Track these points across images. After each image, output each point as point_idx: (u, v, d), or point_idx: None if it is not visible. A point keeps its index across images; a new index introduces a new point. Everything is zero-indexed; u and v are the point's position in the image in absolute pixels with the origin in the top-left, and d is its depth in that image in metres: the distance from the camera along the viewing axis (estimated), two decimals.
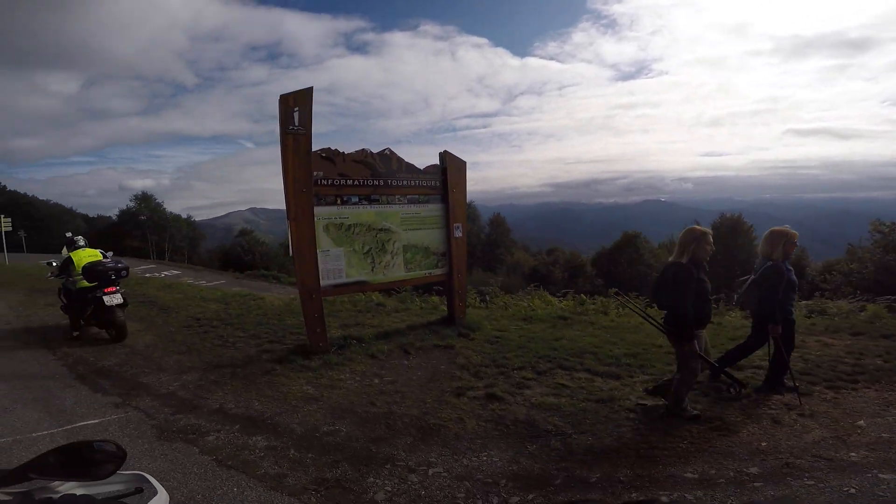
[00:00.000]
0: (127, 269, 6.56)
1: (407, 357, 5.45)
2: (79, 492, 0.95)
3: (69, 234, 7.34)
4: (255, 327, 7.06)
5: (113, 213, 52.23)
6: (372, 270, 6.01)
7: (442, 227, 6.77)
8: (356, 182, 5.83)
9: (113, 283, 6.30)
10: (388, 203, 6.16)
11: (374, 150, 6.02)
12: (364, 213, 5.91)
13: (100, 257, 6.75)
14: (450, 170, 6.73)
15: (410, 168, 6.41)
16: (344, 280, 5.74)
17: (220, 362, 5.39)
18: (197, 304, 9.28)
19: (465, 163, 6.99)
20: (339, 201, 5.69)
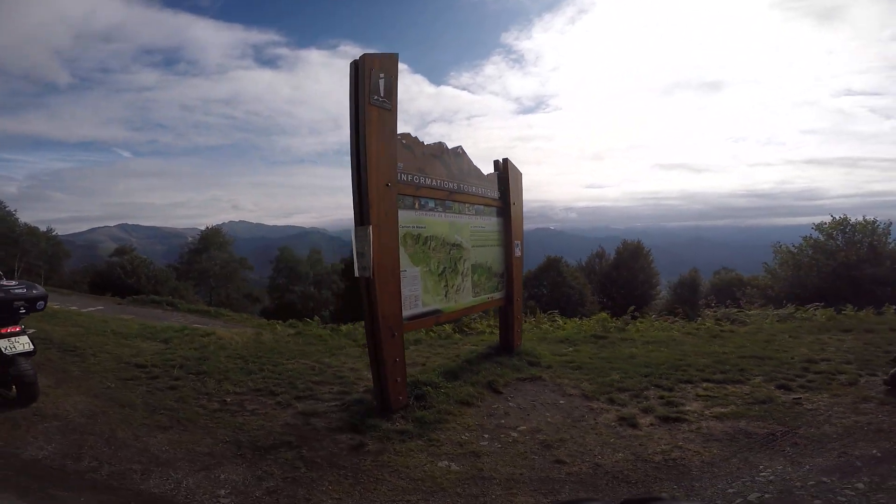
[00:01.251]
0: (45, 297, 4.25)
1: (501, 397, 4.43)
2: None
3: None
4: (244, 376, 5.04)
5: None
6: (445, 296, 4.60)
7: (500, 245, 5.65)
8: (434, 182, 4.46)
9: (13, 321, 4.10)
10: (459, 212, 4.88)
11: (449, 146, 4.73)
12: (439, 222, 4.53)
13: None
14: (511, 179, 5.70)
15: (478, 174, 5.23)
16: (420, 310, 4.25)
17: (255, 441, 3.45)
18: (119, 344, 6.65)
19: (521, 174, 6.00)
20: (416, 205, 4.26)
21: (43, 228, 42.87)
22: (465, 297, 4.91)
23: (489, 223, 5.44)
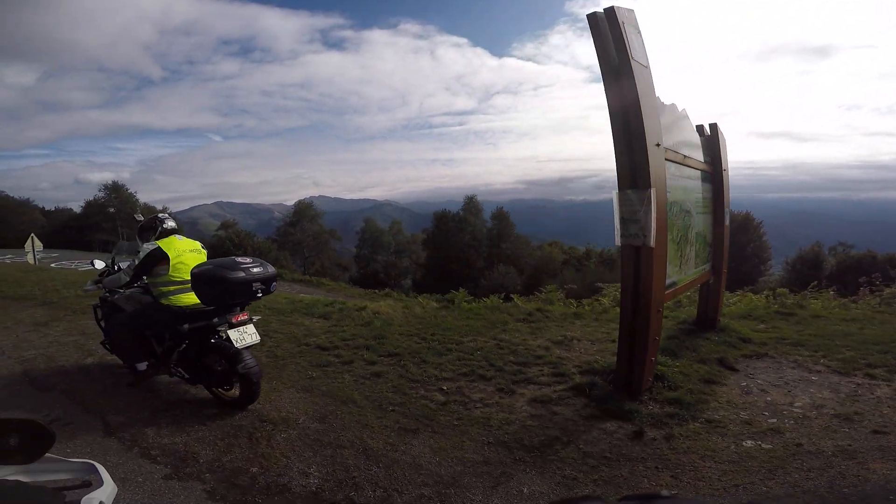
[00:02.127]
0: (276, 277, 3.72)
1: (740, 374, 4.06)
2: (15, 478, 0.87)
3: (142, 218, 4.24)
4: (436, 357, 4.73)
5: (74, 205, 47.27)
6: (679, 267, 4.10)
7: (710, 213, 4.95)
8: (673, 144, 3.85)
9: (243, 307, 3.72)
10: (689, 177, 4.27)
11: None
12: (677, 187, 3.91)
13: (204, 255, 4.02)
14: (721, 144, 4.98)
15: (695, 137, 4.57)
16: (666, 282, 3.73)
17: (518, 439, 3.09)
18: (282, 322, 6.49)
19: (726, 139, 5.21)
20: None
21: (159, 207, 47.94)
22: (689, 268, 4.36)
23: (705, 189, 4.76)
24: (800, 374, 4.02)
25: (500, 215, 46.74)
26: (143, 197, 46.23)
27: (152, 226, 3.98)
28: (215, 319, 3.56)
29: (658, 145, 3.28)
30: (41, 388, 4.10)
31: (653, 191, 3.13)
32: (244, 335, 3.55)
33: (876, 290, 8.82)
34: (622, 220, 3.32)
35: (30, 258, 17.79)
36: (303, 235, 47.10)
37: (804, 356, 4.39)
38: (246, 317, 3.65)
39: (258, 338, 3.65)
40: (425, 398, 3.78)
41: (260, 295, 3.49)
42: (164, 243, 3.72)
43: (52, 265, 18.78)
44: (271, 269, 3.64)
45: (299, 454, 2.98)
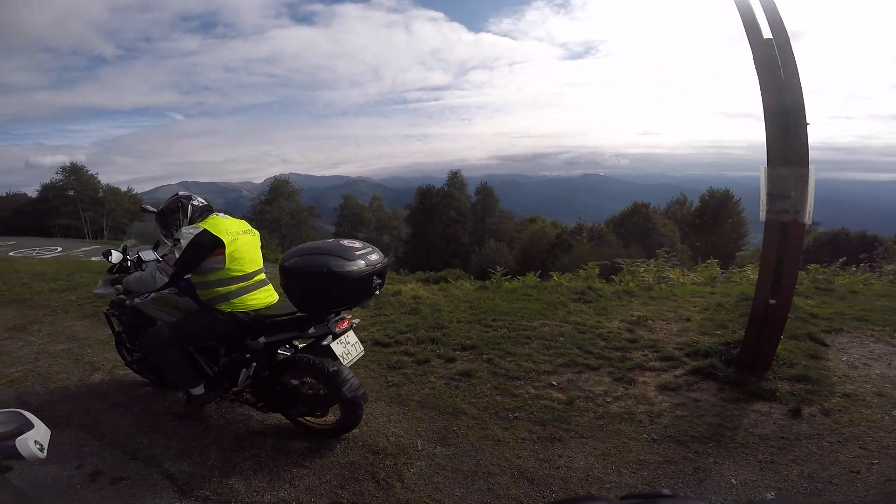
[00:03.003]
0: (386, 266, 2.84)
1: (832, 349, 3.97)
2: None
3: (151, 208, 3.17)
4: (515, 347, 4.19)
5: (28, 189, 43.59)
6: None
7: None
8: None
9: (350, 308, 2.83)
10: None
11: None
12: None
13: (258, 238, 2.99)
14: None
15: None
16: None
17: (682, 437, 2.80)
18: None
19: None
20: None
21: (123, 189, 44.94)
22: None
23: None
24: (885, 347, 3.96)
25: (485, 190, 45.97)
26: (104, 179, 43.03)
27: (176, 207, 2.83)
28: (311, 329, 2.62)
29: (808, 124, 3.13)
30: (53, 424, 3.11)
31: (812, 168, 3.12)
32: (349, 348, 2.73)
33: (876, 267, 8.92)
34: (769, 195, 3.27)
35: None
36: (280, 213, 45.33)
37: (876, 331, 4.29)
38: (349, 323, 2.76)
39: (362, 349, 2.84)
40: (542, 398, 3.31)
41: (377, 292, 2.65)
42: (210, 225, 2.69)
43: (11, 253, 17.07)
44: (385, 257, 2.77)
45: (448, 492, 2.36)
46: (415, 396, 3.40)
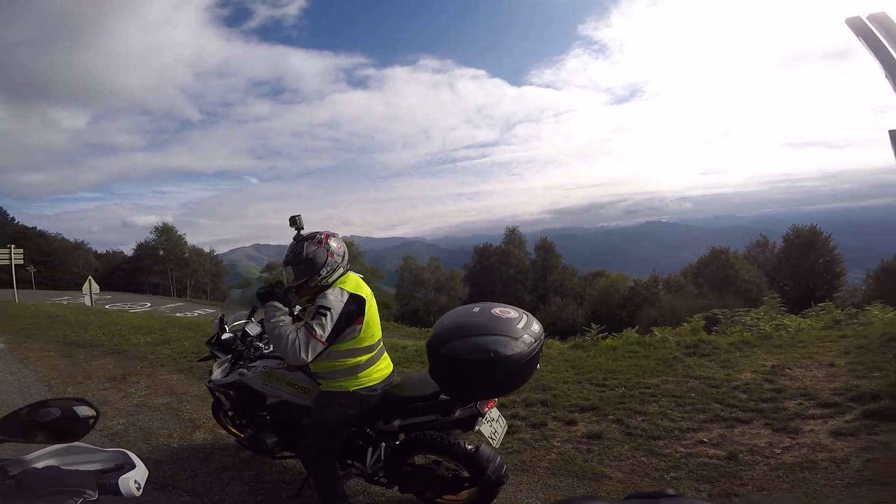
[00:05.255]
0: None
1: None
2: (52, 465, 0.91)
3: (302, 230, 2.49)
4: (645, 406, 3.81)
5: (124, 247, 48.79)
6: None
7: None
8: None
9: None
10: None
11: None
12: None
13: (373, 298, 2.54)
14: None
15: None
16: None
17: None
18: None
19: None
20: None
21: (206, 250, 48.92)
22: None
23: None
24: None
25: (545, 246, 45.28)
26: (189, 240, 47.24)
27: (324, 258, 2.31)
28: (457, 413, 2.26)
29: None
30: (160, 486, 2.93)
31: None
32: (494, 425, 2.39)
33: None
34: None
35: (87, 300, 17.63)
36: None
37: None
38: (495, 402, 2.42)
39: (506, 422, 2.51)
40: (697, 455, 3.01)
41: (538, 366, 2.25)
42: (352, 287, 2.32)
43: (107, 307, 18.54)
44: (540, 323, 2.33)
45: None
46: (541, 463, 3.08)
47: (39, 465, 0.98)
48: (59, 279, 39.47)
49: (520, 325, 2.12)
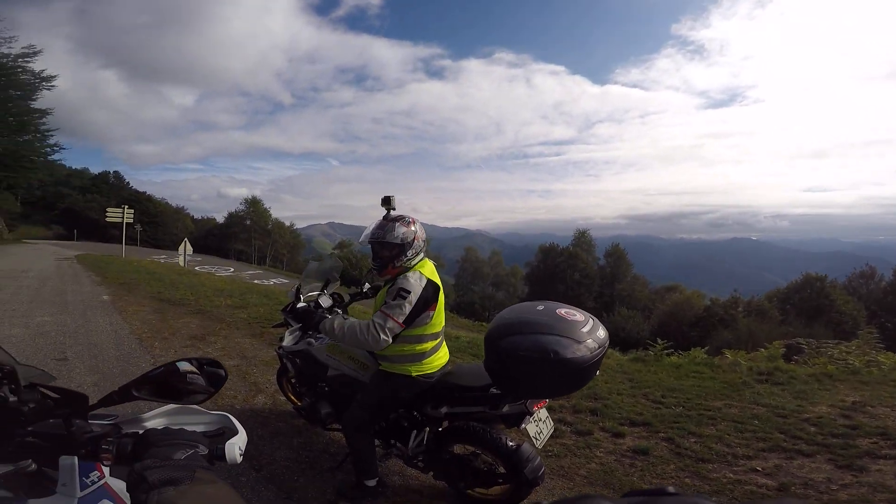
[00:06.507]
0: None
1: None
2: (161, 427, 0.95)
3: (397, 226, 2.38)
4: (701, 428, 3.58)
5: (217, 215, 53.69)
6: None
7: None
8: None
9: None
10: None
11: None
12: None
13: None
14: None
15: None
16: None
17: None
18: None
19: None
20: None
21: (286, 224, 52.35)
22: None
23: None
24: None
25: (616, 252, 43.32)
26: (273, 213, 50.85)
27: (412, 239, 2.33)
28: (505, 408, 2.27)
29: None
30: None
31: None
32: (541, 426, 2.39)
33: None
34: None
35: (181, 261, 19.50)
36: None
37: None
38: (546, 403, 2.42)
39: (553, 424, 2.49)
40: (745, 483, 2.87)
41: (597, 372, 2.17)
42: (429, 273, 2.36)
43: (196, 268, 20.47)
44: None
45: None
46: (580, 470, 3.01)
47: (150, 423, 1.05)
48: (161, 239, 44.23)
49: (585, 329, 2.04)
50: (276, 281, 22.00)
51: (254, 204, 47.98)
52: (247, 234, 46.04)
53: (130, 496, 0.73)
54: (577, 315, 2.11)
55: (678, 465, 3.08)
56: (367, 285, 3.15)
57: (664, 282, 48.51)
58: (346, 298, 3.17)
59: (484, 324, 16.03)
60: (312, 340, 2.85)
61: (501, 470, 2.36)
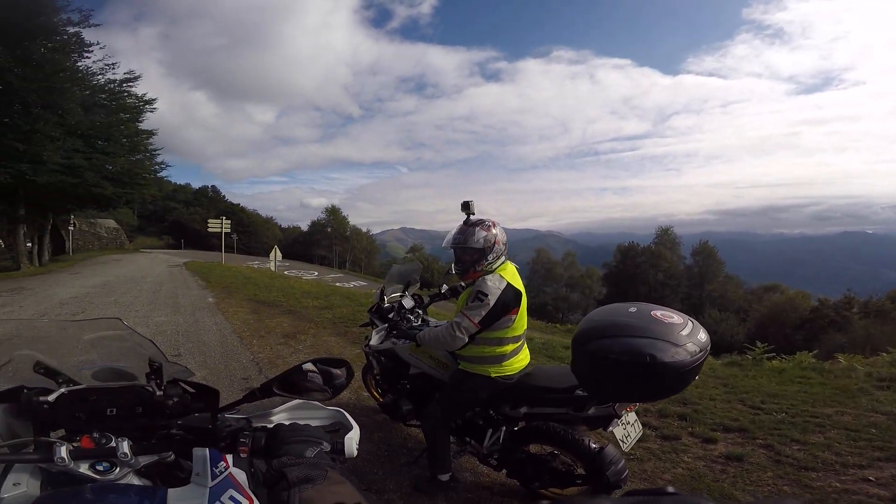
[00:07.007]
0: None
1: None
2: (287, 422, 1.04)
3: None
4: (806, 435, 3.30)
5: (301, 224, 57.94)
6: None
7: None
8: None
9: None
10: None
11: None
12: None
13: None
14: None
15: None
16: None
17: None
18: None
19: None
20: None
21: (363, 230, 55.04)
22: None
23: None
24: None
25: (705, 250, 40.02)
26: (350, 220, 53.80)
27: (493, 243, 2.37)
28: (591, 410, 2.22)
29: None
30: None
31: None
32: (628, 429, 2.31)
33: None
34: None
35: (272, 266, 21.21)
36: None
37: None
38: (636, 406, 2.37)
39: (641, 428, 2.41)
40: (853, 492, 2.63)
41: (696, 377, 2.02)
42: (511, 277, 2.36)
43: (285, 272, 22.12)
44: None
45: None
46: (664, 475, 2.87)
47: (277, 418, 1.12)
48: (253, 246, 48.46)
49: (684, 332, 1.91)
50: (355, 284, 23.19)
51: (333, 213, 51.15)
52: (328, 241, 49.13)
53: (269, 491, 0.79)
54: (675, 317, 1.98)
55: (776, 472, 2.85)
56: (444, 287, 3.24)
57: (761, 281, 43.92)
58: (427, 300, 3.28)
59: (557, 325, 15.63)
60: (397, 340, 2.92)
61: (580, 471, 2.31)
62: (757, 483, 2.74)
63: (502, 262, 2.43)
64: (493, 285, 2.28)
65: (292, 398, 1.09)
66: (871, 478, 2.77)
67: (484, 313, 2.25)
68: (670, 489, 0.45)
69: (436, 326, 2.49)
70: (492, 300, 2.25)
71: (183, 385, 1.02)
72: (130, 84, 19.94)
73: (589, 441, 2.24)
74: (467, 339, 2.31)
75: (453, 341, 2.31)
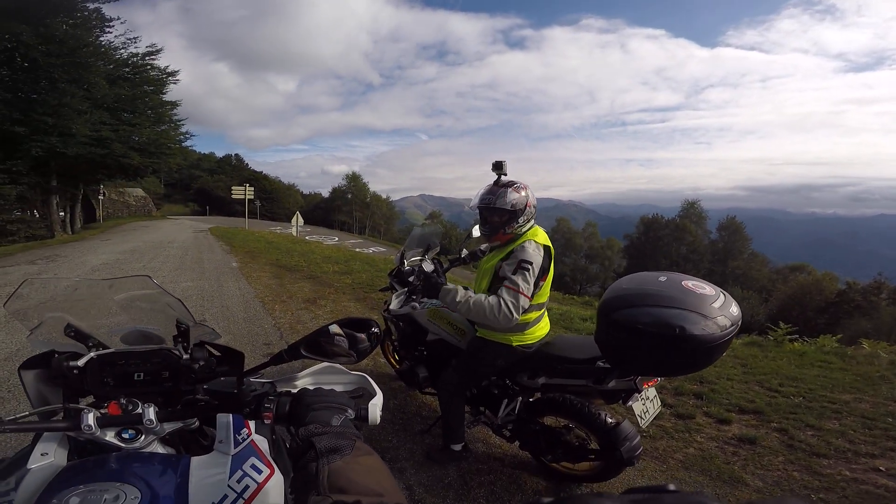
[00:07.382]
0: None
1: None
2: (312, 387, 1.03)
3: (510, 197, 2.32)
4: (821, 421, 3.27)
5: (322, 190, 58.58)
6: None
7: None
8: None
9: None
10: None
11: None
12: None
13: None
14: None
15: None
16: None
17: None
18: None
19: None
20: None
21: (383, 196, 55.13)
22: None
23: None
24: None
25: (732, 226, 38.84)
26: (370, 187, 53.97)
27: (525, 204, 2.29)
28: (611, 383, 2.15)
29: None
30: None
31: None
32: (647, 405, 2.26)
33: None
34: None
35: (294, 231, 21.54)
36: None
37: None
38: (658, 381, 2.28)
39: (660, 404, 2.36)
40: (862, 482, 2.61)
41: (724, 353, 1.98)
42: (542, 240, 2.28)
43: (307, 237, 22.46)
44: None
45: None
46: (676, 454, 2.88)
47: (301, 383, 1.12)
48: (276, 212, 49.22)
49: (715, 304, 1.79)
50: (374, 249, 23.46)
51: (354, 179, 51.27)
52: (349, 207, 49.56)
53: (296, 462, 0.78)
54: (707, 288, 1.87)
55: (788, 457, 2.85)
56: (464, 251, 3.18)
57: (789, 261, 42.67)
58: (446, 264, 3.17)
59: (575, 297, 15.56)
60: (417, 304, 2.82)
61: (594, 446, 2.29)
62: (767, 467, 2.74)
63: (532, 226, 2.34)
64: (534, 251, 2.17)
65: (319, 360, 1.07)
66: (881, 468, 2.76)
67: (532, 283, 2.15)
68: (671, 487, 0.44)
69: (468, 293, 2.26)
70: (536, 268, 2.15)
71: (209, 347, 1.02)
72: (153, 57, 20.43)
73: (605, 415, 2.20)
74: (521, 317, 2.16)
75: (508, 322, 2.12)
